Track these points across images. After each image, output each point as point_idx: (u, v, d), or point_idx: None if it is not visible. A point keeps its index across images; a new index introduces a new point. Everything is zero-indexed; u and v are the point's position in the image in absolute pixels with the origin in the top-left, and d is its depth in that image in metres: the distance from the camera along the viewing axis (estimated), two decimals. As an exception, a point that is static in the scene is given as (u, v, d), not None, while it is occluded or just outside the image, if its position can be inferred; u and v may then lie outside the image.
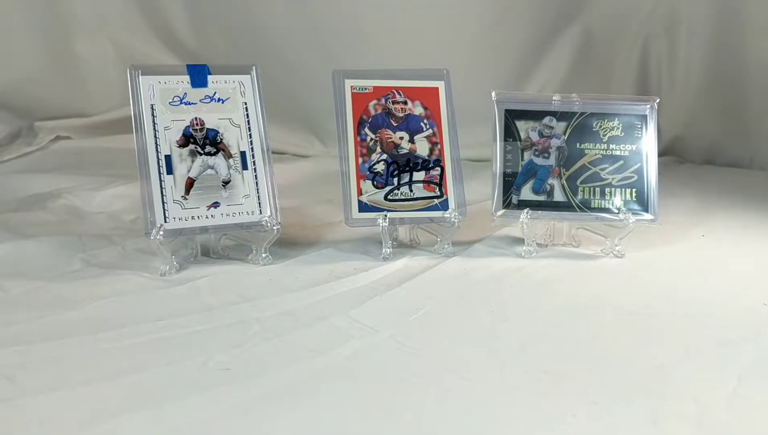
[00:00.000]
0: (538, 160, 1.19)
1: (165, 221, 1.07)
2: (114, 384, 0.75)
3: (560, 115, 1.20)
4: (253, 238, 1.13)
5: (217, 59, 2.06)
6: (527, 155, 1.20)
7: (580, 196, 1.19)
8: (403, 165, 1.17)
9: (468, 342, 0.87)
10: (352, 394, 0.74)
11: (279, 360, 0.81)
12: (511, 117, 1.20)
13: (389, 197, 1.16)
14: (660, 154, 1.33)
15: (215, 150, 1.11)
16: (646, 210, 1.18)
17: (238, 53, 2.10)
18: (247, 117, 1.14)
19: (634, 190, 1.19)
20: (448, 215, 1.17)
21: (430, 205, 1.18)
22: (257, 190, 1.13)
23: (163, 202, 1.07)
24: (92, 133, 2.08)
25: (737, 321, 0.93)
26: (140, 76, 1.09)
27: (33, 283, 1.03)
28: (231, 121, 1.13)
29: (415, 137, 1.19)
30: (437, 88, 1.20)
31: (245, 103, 1.14)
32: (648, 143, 1.19)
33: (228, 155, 1.12)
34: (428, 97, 1.20)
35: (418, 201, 1.17)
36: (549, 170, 1.19)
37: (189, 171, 1.10)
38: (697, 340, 0.87)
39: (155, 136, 1.08)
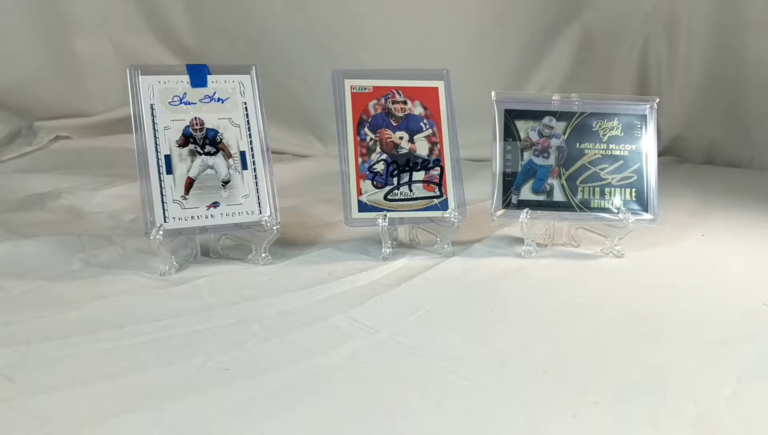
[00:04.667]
0: (538, 160, 1.19)
1: (165, 221, 1.07)
2: (114, 384, 0.75)
3: (560, 115, 1.20)
4: (253, 238, 1.13)
5: (217, 59, 2.06)
6: (527, 155, 1.20)
7: (579, 196, 1.19)
8: (402, 165, 1.17)
9: (468, 342, 0.87)
10: (352, 394, 0.74)
11: (279, 360, 0.81)
12: (511, 117, 1.20)
13: (389, 197, 1.16)
14: (660, 154, 1.33)
15: (215, 150, 1.11)
16: (646, 210, 1.18)
17: (238, 53, 2.10)
18: (247, 117, 1.14)
19: (633, 190, 1.19)
20: (448, 215, 1.17)
21: (430, 205, 1.17)
22: (257, 189, 1.13)
23: (162, 202, 1.07)
24: (92, 133, 2.08)
25: (737, 321, 0.93)
26: (140, 76, 1.09)
27: (33, 283, 1.03)
28: (231, 121, 1.13)
29: (415, 137, 1.19)
30: (437, 88, 1.20)
31: (245, 103, 1.14)
32: (648, 143, 1.19)
33: (228, 155, 1.12)
34: (428, 96, 1.20)
35: (418, 201, 1.17)
36: (549, 170, 1.19)
37: (188, 171, 1.10)
38: (697, 340, 0.87)
39: (155, 136, 1.08)
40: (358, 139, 1.16)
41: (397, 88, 1.19)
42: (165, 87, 1.10)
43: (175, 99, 1.10)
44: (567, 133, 1.20)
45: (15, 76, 2.03)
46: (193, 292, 1.02)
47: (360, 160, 1.16)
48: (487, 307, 0.98)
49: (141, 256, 1.15)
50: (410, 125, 1.19)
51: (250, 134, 1.14)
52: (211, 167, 1.11)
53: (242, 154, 1.13)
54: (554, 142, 1.20)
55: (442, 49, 2.00)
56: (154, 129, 1.08)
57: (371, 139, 1.17)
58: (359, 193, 1.15)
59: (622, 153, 1.19)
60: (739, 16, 1.90)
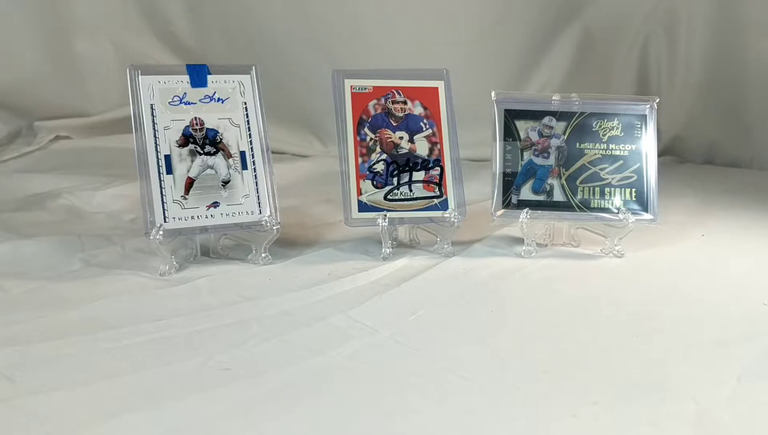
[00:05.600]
0: (538, 160, 1.19)
1: (165, 221, 1.07)
2: (113, 384, 0.75)
3: (560, 115, 1.20)
4: (253, 238, 1.13)
5: (217, 59, 2.06)
6: (527, 155, 1.20)
7: (579, 196, 1.19)
8: (402, 165, 1.17)
9: (467, 342, 0.87)
10: (352, 394, 0.74)
11: (279, 360, 0.81)
12: (511, 117, 1.20)
13: (389, 197, 1.16)
14: (660, 154, 1.33)
15: (215, 150, 1.11)
16: (646, 210, 1.18)
17: (238, 53, 2.10)
18: (247, 117, 1.14)
19: (633, 189, 1.19)
20: (448, 215, 1.17)
21: (430, 205, 1.17)
22: (257, 189, 1.13)
23: (162, 202, 1.07)
24: (92, 133, 2.08)
25: (737, 321, 0.93)
26: (140, 76, 1.09)
27: (33, 283, 1.03)
28: (231, 121, 1.13)
29: (415, 137, 1.19)
30: (437, 88, 1.20)
31: (245, 103, 1.14)
32: (648, 143, 1.19)
33: (228, 155, 1.12)
34: (428, 96, 1.20)
35: (418, 201, 1.17)
36: (548, 170, 1.19)
37: (188, 171, 1.10)
38: (697, 340, 0.87)
39: (155, 136, 1.08)
40: (358, 139, 1.16)
41: (397, 88, 1.19)
42: (165, 87, 1.10)
43: (175, 99, 1.10)
44: (567, 133, 1.20)
45: (15, 76, 2.03)
46: (193, 292, 1.02)
47: (360, 160, 1.16)
48: (487, 307, 0.98)
49: (141, 256, 1.15)
50: (410, 125, 1.19)
51: (250, 134, 1.14)
52: (211, 167, 1.11)
53: (242, 154, 1.13)
54: (554, 142, 1.20)
55: (442, 49, 2.00)
56: (154, 129, 1.08)
57: (371, 139, 1.17)
58: (359, 193, 1.15)
59: (622, 153, 1.19)
60: (739, 16, 1.90)
